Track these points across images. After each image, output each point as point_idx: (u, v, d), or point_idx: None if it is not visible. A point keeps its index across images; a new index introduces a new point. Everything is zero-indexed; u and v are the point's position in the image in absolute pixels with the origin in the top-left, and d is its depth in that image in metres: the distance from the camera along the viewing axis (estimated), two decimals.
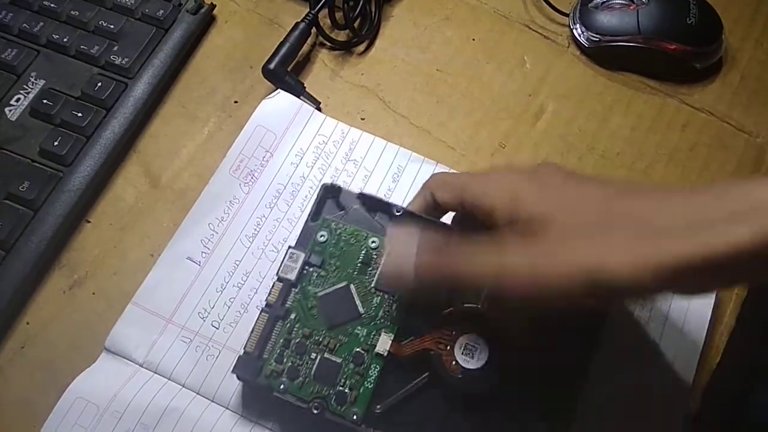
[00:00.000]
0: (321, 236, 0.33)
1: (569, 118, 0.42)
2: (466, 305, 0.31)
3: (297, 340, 0.31)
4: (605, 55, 0.44)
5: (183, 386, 0.34)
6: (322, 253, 0.33)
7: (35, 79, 0.41)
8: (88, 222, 0.38)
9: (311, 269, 0.33)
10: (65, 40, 0.41)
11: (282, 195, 0.39)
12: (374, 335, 0.31)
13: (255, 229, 0.38)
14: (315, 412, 0.30)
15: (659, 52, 0.42)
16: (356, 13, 0.43)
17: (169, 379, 0.34)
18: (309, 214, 0.34)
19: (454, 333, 0.31)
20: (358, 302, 0.32)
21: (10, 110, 0.40)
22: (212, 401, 0.34)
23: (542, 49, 0.44)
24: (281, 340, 0.31)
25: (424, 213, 0.32)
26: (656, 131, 0.42)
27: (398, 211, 0.33)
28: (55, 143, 0.38)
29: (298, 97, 0.41)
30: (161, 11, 0.42)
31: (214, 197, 0.38)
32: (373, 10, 0.44)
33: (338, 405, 0.30)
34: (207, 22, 0.44)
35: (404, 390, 0.31)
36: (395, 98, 0.43)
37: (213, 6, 0.44)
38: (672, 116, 0.42)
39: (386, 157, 0.40)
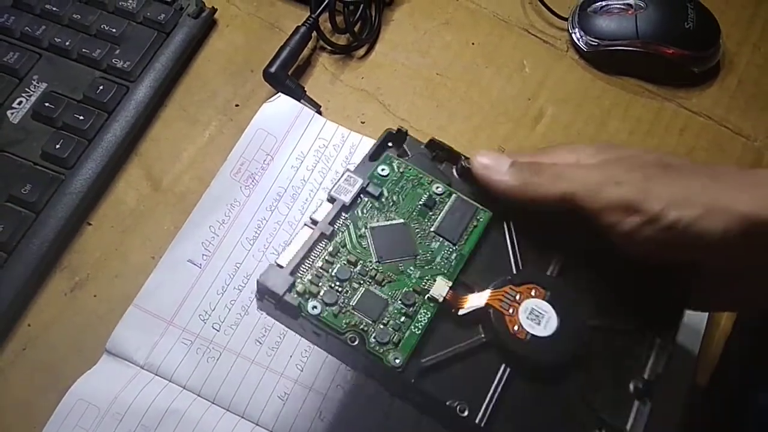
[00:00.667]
0: (382, 170, 0.30)
1: (568, 121, 0.42)
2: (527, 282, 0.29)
3: (340, 265, 0.27)
4: (604, 59, 0.44)
5: (184, 388, 0.34)
6: (380, 186, 0.30)
7: (37, 83, 0.41)
8: (90, 225, 0.39)
9: (367, 199, 0.29)
10: (67, 43, 0.41)
11: (282, 198, 0.39)
12: (428, 279, 0.28)
13: (256, 232, 0.38)
14: (352, 343, 0.26)
15: (657, 56, 0.42)
16: (356, 17, 0.44)
17: (169, 381, 0.34)
18: (367, 154, 0.31)
19: (519, 296, 0.28)
20: (414, 242, 0.29)
21: (12, 113, 0.40)
22: (213, 403, 0.34)
23: (541, 54, 0.45)
24: (321, 261, 0.27)
25: None
26: (654, 135, 0.42)
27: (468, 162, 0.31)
28: (57, 146, 0.38)
29: (299, 101, 0.41)
30: (163, 15, 0.42)
31: (214, 200, 0.39)
32: (373, 14, 0.45)
33: (378, 344, 0.26)
34: (208, 26, 0.45)
35: (456, 346, 0.27)
36: (395, 102, 0.43)
37: (214, 10, 0.45)
38: (670, 120, 0.43)
39: None
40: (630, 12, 0.43)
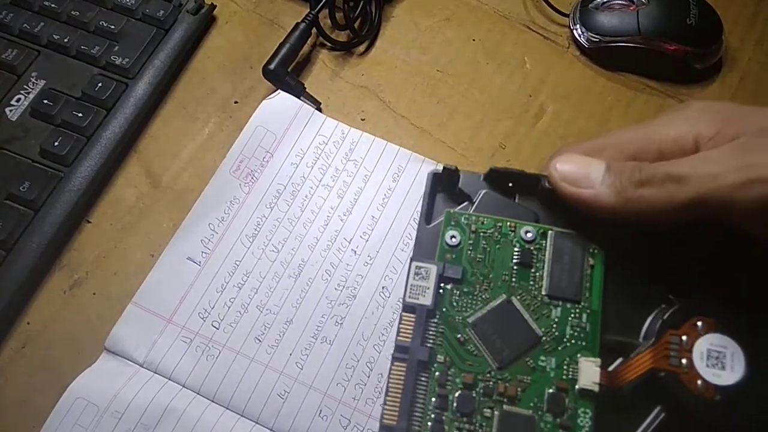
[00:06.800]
0: (451, 238, 0.24)
1: (569, 118, 0.42)
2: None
3: (457, 394, 0.22)
4: (605, 55, 0.44)
5: (183, 386, 0.34)
6: (458, 261, 0.24)
7: (36, 80, 0.41)
8: (89, 222, 0.38)
9: (450, 286, 0.23)
10: (66, 40, 0.41)
11: (282, 195, 0.39)
12: (569, 364, 0.22)
13: (255, 229, 0.38)
14: None
15: (659, 52, 0.42)
16: (356, 13, 0.44)
17: (169, 380, 0.34)
18: (420, 215, 0.25)
19: (686, 340, 0.22)
20: (530, 321, 0.23)
21: (10, 110, 0.40)
22: (212, 401, 0.34)
23: (542, 50, 0.45)
24: (433, 399, 0.22)
25: None
26: None
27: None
28: (56, 143, 0.38)
29: (299, 98, 0.41)
30: (162, 11, 0.42)
31: (214, 197, 0.38)
32: (373, 10, 0.44)
33: None
34: (207, 22, 0.44)
35: None
36: (395, 99, 0.43)
37: (213, 6, 0.44)
38: None
39: (386, 158, 0.40)
40: (632, 8, 0.43)
